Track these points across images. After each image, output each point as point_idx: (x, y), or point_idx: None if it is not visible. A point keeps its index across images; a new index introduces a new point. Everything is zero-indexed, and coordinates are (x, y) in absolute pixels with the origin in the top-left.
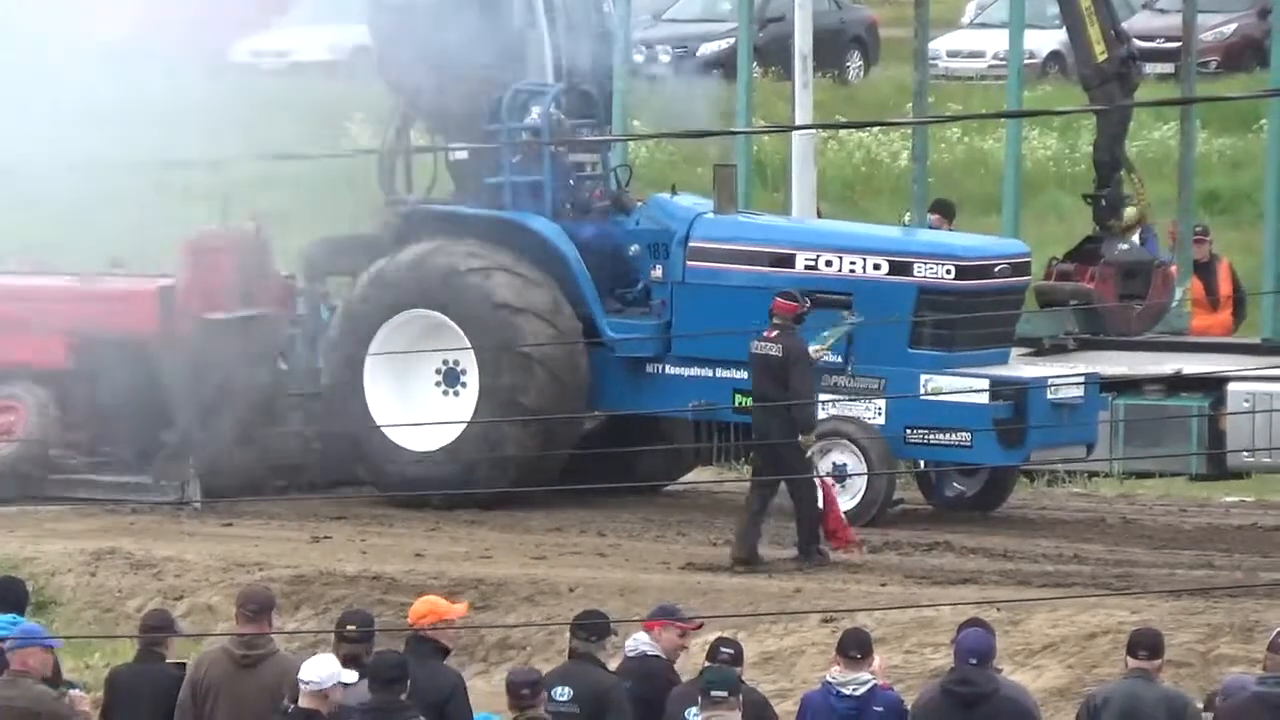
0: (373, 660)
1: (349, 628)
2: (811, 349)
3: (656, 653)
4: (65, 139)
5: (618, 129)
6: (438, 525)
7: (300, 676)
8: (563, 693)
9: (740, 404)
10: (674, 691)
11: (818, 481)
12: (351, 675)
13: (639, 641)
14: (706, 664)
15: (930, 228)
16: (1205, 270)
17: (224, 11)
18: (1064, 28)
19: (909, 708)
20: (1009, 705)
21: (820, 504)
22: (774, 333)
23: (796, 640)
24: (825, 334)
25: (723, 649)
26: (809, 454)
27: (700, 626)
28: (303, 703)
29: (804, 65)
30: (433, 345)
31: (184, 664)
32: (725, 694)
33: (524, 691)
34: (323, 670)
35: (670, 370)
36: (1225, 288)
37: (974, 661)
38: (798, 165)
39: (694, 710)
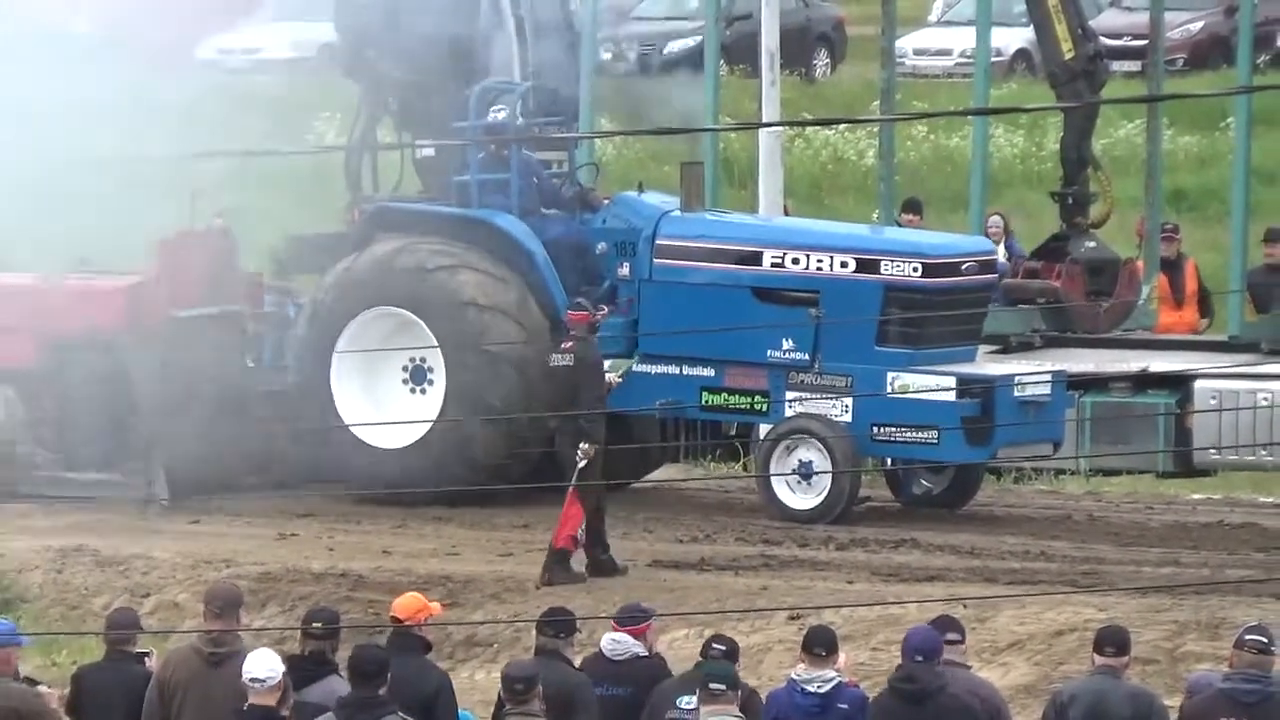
0: (353, 654)
1: (314, 625)
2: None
3: (646, 653)
4: (30, 136)
5: (584, 127)
6: (405, 522)
7: (248, 676)
8: None
9: (707, 402)
10: (660, 686)
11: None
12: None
13: (627, 644)
14: (700, 660)
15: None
16: (1172, 268)
17: (191, 9)
18: (1031, 25)
19: None
20: (954, 702)
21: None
22: (569, 344)
23: (763, 638)
24: (619, 365)
25: (715, 645)
26: (583, 464)
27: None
28: (255, 700)
29: (771, 63)
30: (400, 343)
31: (147, 653)
32: (724, 688)
33: (518, 686)
34: (268, 665)
35: (637, 368)
36: (1191, 286)
37: (920, 659)
38: (765, 163)
39: (686, 699)
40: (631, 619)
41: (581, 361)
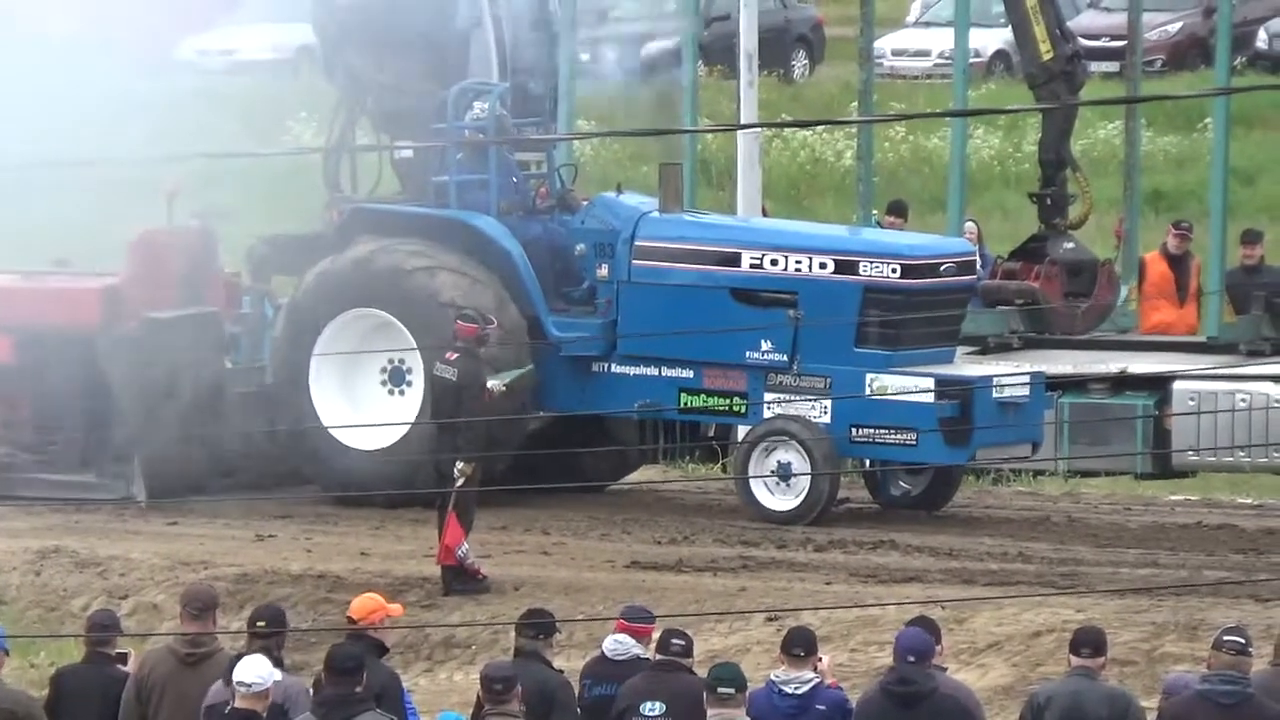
0: (329, 652)
1: (259, 624)
2: (490, 383)
3: (647, 654)
4: (8, 135)
5: (563, 128)
6: (382, 524)
7: (235, 679)
8: None
9: (686, 404)
10: (628, 685)
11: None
12: (279, 674)
13: (628, 645)
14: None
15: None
16: (1179, 264)
17: (170, 10)
18: (1009, 26)
19: (853, 707)
20: (948, 704)
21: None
22: (454, 355)
23: (741, 639)
24: (506, 373)
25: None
26: (459, 481)
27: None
28: (239, 704)
29: (749, 64)
30: (378, 344)
31: (126, 654)
32: (733, 691)
33: (497, 686)
34: (257, 671)
35: (616, 369)
36: (1194, 285)
37: (912, 660)
38: (743, 164)
39: (649, 705)
40: (638, 620)
41: (463, 377)
